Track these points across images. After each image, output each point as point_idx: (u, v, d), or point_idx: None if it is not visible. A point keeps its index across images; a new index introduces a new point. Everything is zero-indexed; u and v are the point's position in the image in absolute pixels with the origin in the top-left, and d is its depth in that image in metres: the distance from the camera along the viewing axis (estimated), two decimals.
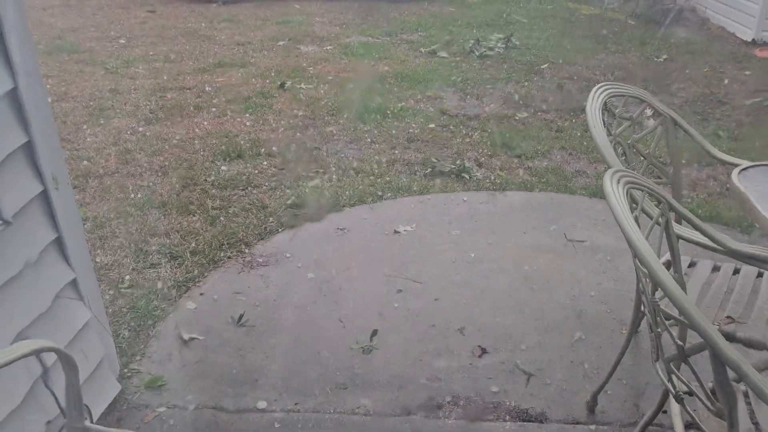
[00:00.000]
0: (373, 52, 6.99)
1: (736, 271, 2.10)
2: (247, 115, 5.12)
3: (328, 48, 7.27)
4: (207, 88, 5.76)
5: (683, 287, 1.80)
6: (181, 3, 10.05)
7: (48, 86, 5.63)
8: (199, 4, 9.82)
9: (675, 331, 1.66)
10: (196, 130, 4.80)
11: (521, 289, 2.95)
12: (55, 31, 7.95)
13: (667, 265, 1.83)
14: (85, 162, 4.21)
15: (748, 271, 2.09)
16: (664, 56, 6.83)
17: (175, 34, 7.88)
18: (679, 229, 2.04)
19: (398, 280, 3.02)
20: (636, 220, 1.41)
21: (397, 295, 2.91)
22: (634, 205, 1.54)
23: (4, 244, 1.69)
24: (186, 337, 2.61)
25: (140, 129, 4.79)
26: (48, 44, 7.18)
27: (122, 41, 7.53)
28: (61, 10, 9.40)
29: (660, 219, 1.58)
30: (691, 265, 2.15)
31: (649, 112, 2.33)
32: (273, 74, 6.19)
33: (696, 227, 1.71)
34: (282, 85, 5.77)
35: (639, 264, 1.43)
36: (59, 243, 1.97)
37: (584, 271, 3.09)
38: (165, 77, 6.09)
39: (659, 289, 1.24)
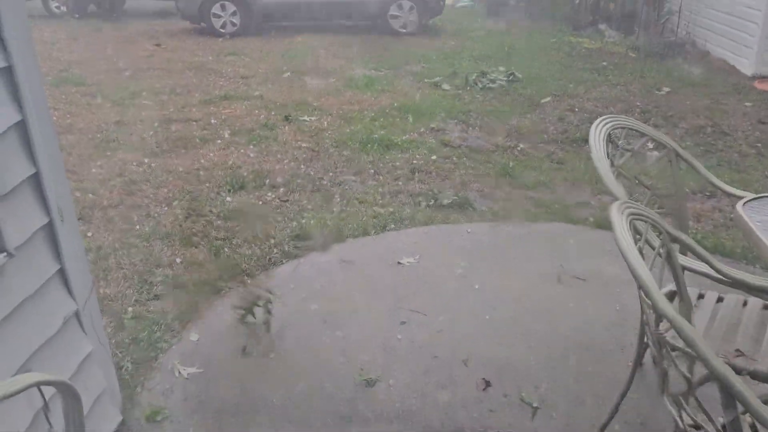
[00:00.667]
0: (376, 85, 7.08)
1: (744, 304, 2.09)
2: (252, 146, 5.16)
3: (332, 81, 7.36)
4: (212, 121, 5.82)
5: (690, 319, 1.79)
6: (188, 36, 10.23)
7: (54, 118, 5.69)
8: (206, 38, 10.00)
9: (682, 364, 1.65)
10: (201, 161, 4.84)
11: (525, 320, 2.93)
12: (62, 63, 8.08)
13: (672, 296, 1.82)
14: (90, 194, 4.23)
15: (756, 303, 2.07)
16: (666, 89, 6.90)
17: (181, 67, 8.00)
18: (684, 260, 2.03)
19: (402, 312, 3.00)
20: (640, 251, 1.41)
21: (401, 327, 2.89)
22: (638, 237, 1.54)
23: (8, 276, 1.70)
24: (185, 373, 2.58)
25: (145, 161, 4.83)
26: (55, 77, 7.29)
27: (129, 74, 7.64)
28: (68, 43, 9.57)
29: (661, 250, 1.57)
30: (701, 296, 2.14)
31: (651, 144, 2.35)
32: (277, 107, 6.26)
33: (701, 258, 1.71)
34: (287, 118, 5.83)
35: (643, 295, 1.43)
36: (62, 274, 1.97)
37: (589, 302, 3.07)
38: (171, 109, 6.16)
39: (664, 320, 1.23)
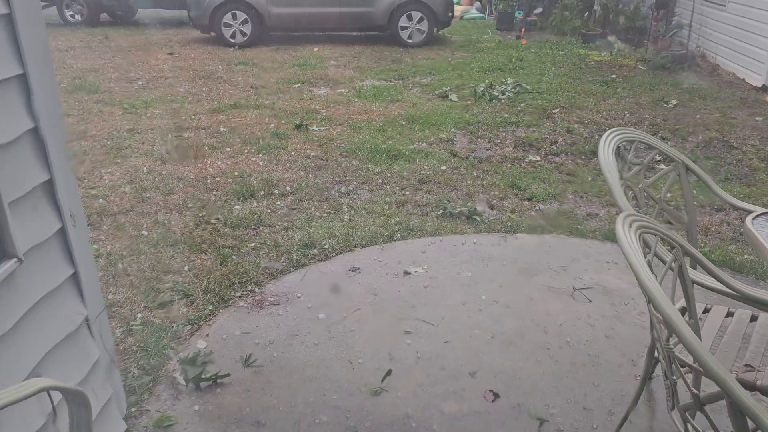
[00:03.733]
0: (385, 95, 7.11)
1: (753, 318, 2.08)
2: (261, 155, 5.19)
3: (341, 91, 7.40)
4: (222, 129, 5.86)
5: (698, 333, 1.78)
6: (200, 46, 10.32)
7: (67, 125, 5.75)
8: (218, 47, 10.08)
9: (690, 379, 1.64)
10: (210, 169, 4.87)
11: (533, 333, 2.92)
12: (76, 71, 8.17)
13: (682, 310, 1.81)
14: (100, 200, 4.27)
15: (765, 318, 2.06)
16: (675, 101, 6.89)
17: (192, 76, 8.07)
18: (693, 274, 2.02)
19: (409, 322, 3.00)
20: (649, 264, 1.40)
21: (408, 337, 2.89)
22: (647, 250, 1.54)
23: (19, 280, 1.71)
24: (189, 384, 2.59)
25: (156, 168, 4.87)
26: (69, 84, 7.37)
27: (141, 82, 7.71)
28: (83, 51, 9.67)
29: (673, 264, 1.57)
30: (706, 311, 2.13)
31: (660, 157, 2.34)
32: (287, 116, 6.30)
33: (711, 273, 1.70)
34: (297, 127, 5.86)
35: (653, 309, 1.42)
36: (75, 279, 1.98)
37: (597, 314, 3.06)
38: (181, 117, 6.21)
39: (674, 335, 1.22)
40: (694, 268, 2.08)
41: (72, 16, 12.49)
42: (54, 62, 1.94)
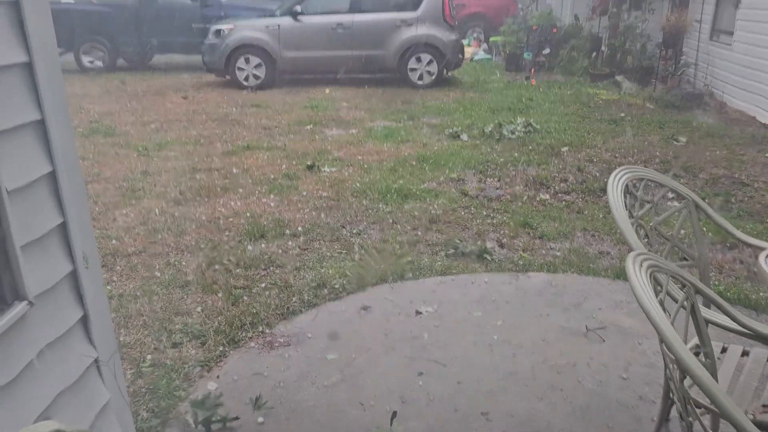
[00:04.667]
0: (396, 136, 7.19)
1: None
2: (272, 196, 5.23)
3: (352, 132, 7.49)
4: (234, 170, 5.93)
5: (714, 374, 1.75)
6: (214, 89, 10.54)
7: (83, 167, 5.84)
8: (231, 90, 10.29)
9: (707, 420, 1.61)
10: (223, 210, 4.91)
11: (546, 373, 2.88)
12: (92, 115, 8.35)
13: (696, 349, 1.78)
14: (113, 241, 4.31)
15: None
16: (684, 139, 6.90)
17: (206, 119, 8.21)
18: (707, 313, 2.00)
19: (420, 362, 2.97)
20: (661, 303, 1.39)
21: (419, 378, 2.86)
22: (659, 288, 1.53)
23: (30, 323, 1.72)
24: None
25: (169, 209, 4.92)
26: (85, 128, 7.52)
27: (156, 125, 7.86)
28: (99, 96, 9.90)
29: (685, 303, 1.56)
30: (723, 350, 2.09)
31: (670, 194, 2.34)
32: (298, 157, 6.37)
33: (725, 311, 1.68)
34: (308, 168, 5.92)
35: (666, 350, 1.40)
36: (85, 321, 1.99)
37: (611, 355, 3.01)
38: (194, 159, 6.30)
39: (688, 376, 1.21)
40: (708, 307, 2.06)
41: (89, 62, 12.84)
42: (71, 107, 1.99)
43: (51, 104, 1.79)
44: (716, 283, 3.70)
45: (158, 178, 5.69)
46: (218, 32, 10.50)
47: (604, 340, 3.13)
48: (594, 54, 11.53)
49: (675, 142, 6.81)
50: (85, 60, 12.81)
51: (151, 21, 12.66)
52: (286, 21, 10.37)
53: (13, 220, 1.63)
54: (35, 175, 1.74)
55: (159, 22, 12.66)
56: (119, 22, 12.74)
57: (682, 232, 2.22)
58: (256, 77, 10.45)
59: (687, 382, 1.47)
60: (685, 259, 2.45)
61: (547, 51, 12.29)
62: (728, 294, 3.55)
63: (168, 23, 12.64)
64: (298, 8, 10.41)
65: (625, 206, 1.99)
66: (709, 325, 1.99)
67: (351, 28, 10.37)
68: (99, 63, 12.73)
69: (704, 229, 4.07)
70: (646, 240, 2.08)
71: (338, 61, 10.52)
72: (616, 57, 10.90)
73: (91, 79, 11.57)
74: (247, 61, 10.39)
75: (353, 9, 10.49)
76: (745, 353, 2.06)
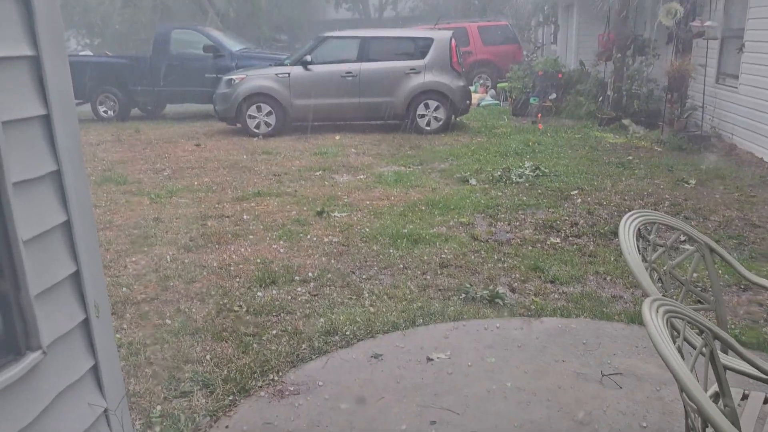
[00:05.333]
0: (405, 181, 7.23)
1: None
2: (282, 241, 5.25)
3: (361, 177, 7.55)
4: (245, 216, 5.97)
5: (736, 422, 1.70)
6: (225, 136, 10.71)
7: (95, 215, 5.91)
8: (242, 138, 10.45)
9: None
10: (233, 256, 4.92)
11: (562, 421, 2.81)
12: (106, 164, 8.48)
13: (716, 397, 1.74)
14: (124, 288, 4.31)
15: None
16: (694, 181, 6.90)
17: (217, 166, 8.32)
18: (725, 358, 1.96)
19: (433, 411, 2.91)
20: (679, 350, 1.37)
21: (432, 427, 2.80)
22: (676, 334, 1.50)
23: (42, 373, 1.71)
24: None
25: (180, 256, 4.94)
26: (98, 176, 7.63)
27: (167, 173, 7.97)
28: (113, 144, 10.08)
29: (704, 349, 1.53)
30: (744, 397, 2.04)
31: (683, 237, 2.33)
32: (309, 202, 6.41)
33: (743, 357, 1.65)
34: (318, 213, 5.95)
35: (687, 399, 1.37)
36: (95, 371, 1.98)
37: (628, 402, 2.94)
38: (205, 206, 6.35)
39: (709, 425, 1.18)
40: (725, 352, 2.02)
41: (105, 112, 13.14)
42: (85, 156, 2.03)
43: (67, 155, 1.82)
44: (732, 326, 3.63)
45: (169, 225, 5.73)
46: (230, 82, 10.73)
47: (620, 387, 3.06)
48: (600, 98, 11.65)
49: (685, 185, 6.80)
50: (101, 110, 13.12)
51: (164, 72, 12.97)
52: (297, 70, 10.60)
53: (29, 269, 1.64)
54: (50, 224, 1.77)
55: (172, 72, 12.98)
56: (134, 74, 13.08)
57: (695, 275, 2.19)
58: (267, 125, 10.63)
59: (709, 431, 1.43)
60: (700, 302, 2.42)
61: (553, 96, 12.44)
62: (745, 338, 3.49)
63: (181, 74, 12.96)
64: (308, 57, 10.64)
65: (638, 250, 1.98)
66: (728, 371, 1.95)
67: (360, 76, 10.58)
68: (111, 113, 13.02)
69: (719, 272, 4.02)
70: (660, 284, 2.06)
71: (347, 108, 10.69)
72: (622, 101, 11.01)
73: (106, 128, 11.80)
74: (258, 109, 10.58)
75: (362, 58, 10.72)
76: (767, 400, 2.01)
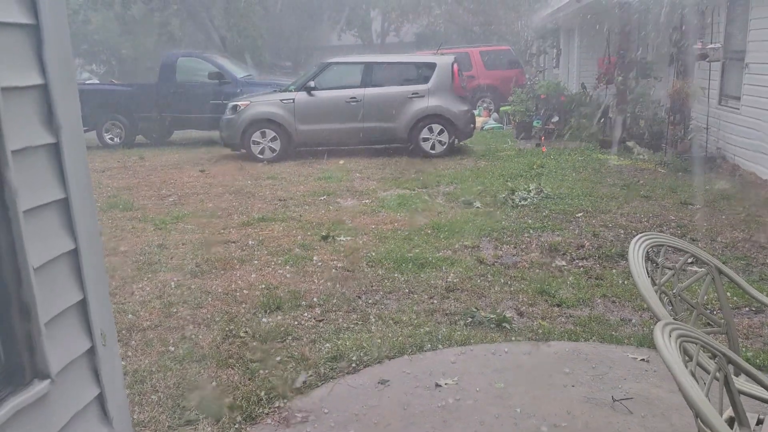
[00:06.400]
0: (410, 205, 7.23)
1: None
2: (288, 267, 5.23)
3: (366, 201, 7.55)
4: (250, 242, 5.96)
5: None
6: (230, 162, 10.76)
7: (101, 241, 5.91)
8: (247, 163, 10.50)
9: None
10: (239, 282, 4.91)
11: None
12: (111, 190, 8.52)
13: (730, 422, 1.71)
14: (129, 315, 4.30)
15: None
16: (699, 203, 6.88)
17: (222, 192, 8.34)
18: (739, 383, 1.93)
19: None
20: (692, 375, 1.35)
21: None
22: (688, 359, 1.48)
23: (50, 402, 1.70)
24: None
25: (185, 282, 4.93)
26: (104, 202, 7.66)
27: (173, 199, 7.99)
28: (119, 171, 10.14)
29: (718, 374, 1.51)
30: (759, 422, 2.01)
31: (691, 259, 2.31)
32: (313, 227, 6.41)
33: (758, 381, 1.62)
34: (323, 238, 5.95)
35: (702, 425, 1.35)
36: (101, 399, 1.96)
37: (640, 427, 2.89)
38: (210, 232, 6.36)
39: None
40: (737, 376, 1.99)
41: (111, 139, 13.25)
42: (92, 182, 2.04)
43: (75, 184, 1.83)
44: (744, 349, 3.59)
45: (175, 251, 5.73)
46: (235, 108, 10.82)
47: (631, 412, 3.02)
48: (603, 120, 11.69)
49: (690, 206, 6.79)
50: (107, 137, 13.24)
51: (170, 99, 13.11)
52: (301, 96, 10.69)
53: (39, 297, 1.64)
54: (58, 252, 1.76)
55: (177, 99, 13.11)
56: (140, 101, 13.23)
57: (705, 297, 2.17)
58: (271, 150, 10.69)
59: None
60: (710, 324, 2.39)
61: (555, 119, 12.50)
62: (758, 361, 3.44)
63: (186, 101, 13.09)
64: (312, 83, 10.74)
65: (648, 274, 1.97)
66: (742, 395, 1.92)
67: (364, 101, 10.66)
68: (117, 140, 13.15)
69: (728, 294, 3.99)
70: (670, 307, 2.04)
71: (352, 133, 10.75)
72: (626, 123, 11.04)
73: (112, 155, 11.88)
74: (263, 134, 10.66)
75: (365, 83, 10.81)
76: None
